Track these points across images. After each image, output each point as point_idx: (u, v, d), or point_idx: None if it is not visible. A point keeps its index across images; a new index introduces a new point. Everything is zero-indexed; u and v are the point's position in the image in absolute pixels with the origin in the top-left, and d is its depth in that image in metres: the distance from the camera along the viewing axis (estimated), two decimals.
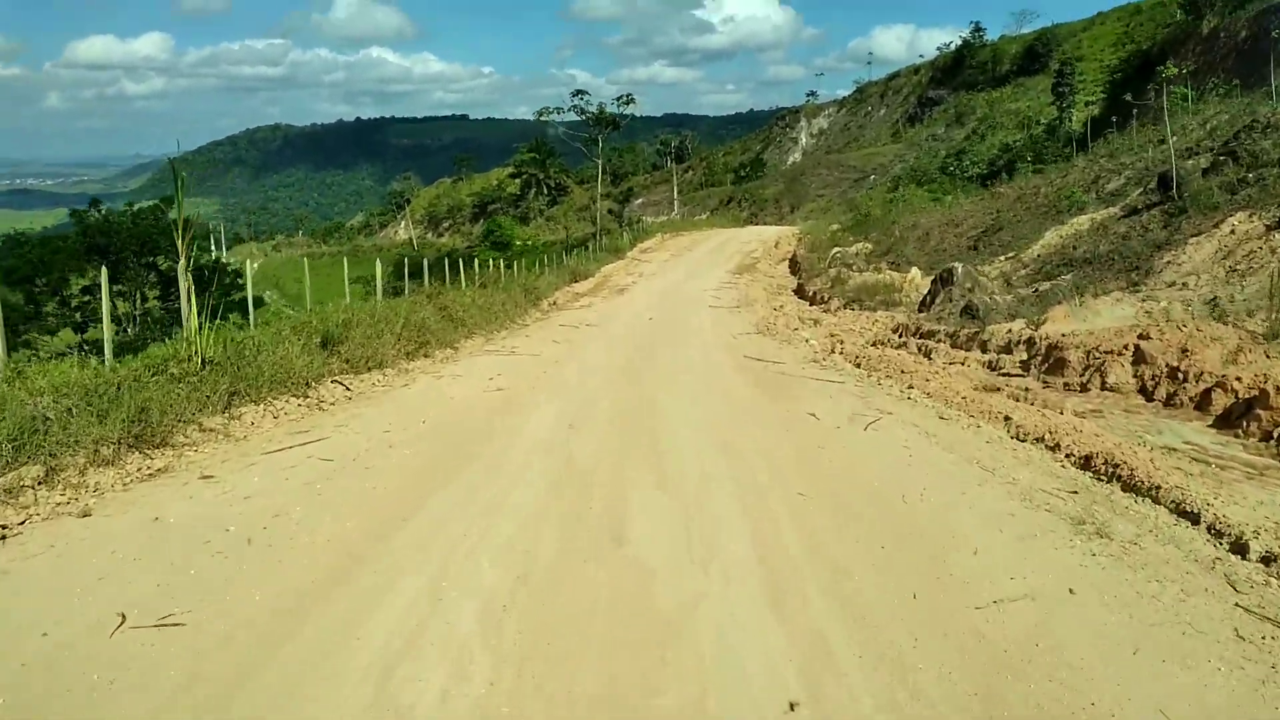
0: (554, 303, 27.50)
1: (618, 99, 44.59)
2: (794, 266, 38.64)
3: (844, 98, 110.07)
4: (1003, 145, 62.88)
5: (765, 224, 70.24)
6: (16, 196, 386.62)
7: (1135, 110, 49.90)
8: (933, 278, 20.76)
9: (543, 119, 44.67)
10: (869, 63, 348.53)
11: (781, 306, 25.90)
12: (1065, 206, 28.66)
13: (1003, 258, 27.82)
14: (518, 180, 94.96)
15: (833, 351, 15.28)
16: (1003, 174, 58.19)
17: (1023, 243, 28.18)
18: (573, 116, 45.51)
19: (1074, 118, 59.27)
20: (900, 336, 16.66)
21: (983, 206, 37.38)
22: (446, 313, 18.96)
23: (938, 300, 18.16)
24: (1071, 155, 52.86)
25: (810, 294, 29.48)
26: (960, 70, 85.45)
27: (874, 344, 16.11)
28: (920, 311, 18.62)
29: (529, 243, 40.42)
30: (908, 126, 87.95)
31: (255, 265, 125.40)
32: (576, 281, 33.02)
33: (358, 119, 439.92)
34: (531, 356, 16.42)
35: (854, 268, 31.81)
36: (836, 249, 36.60)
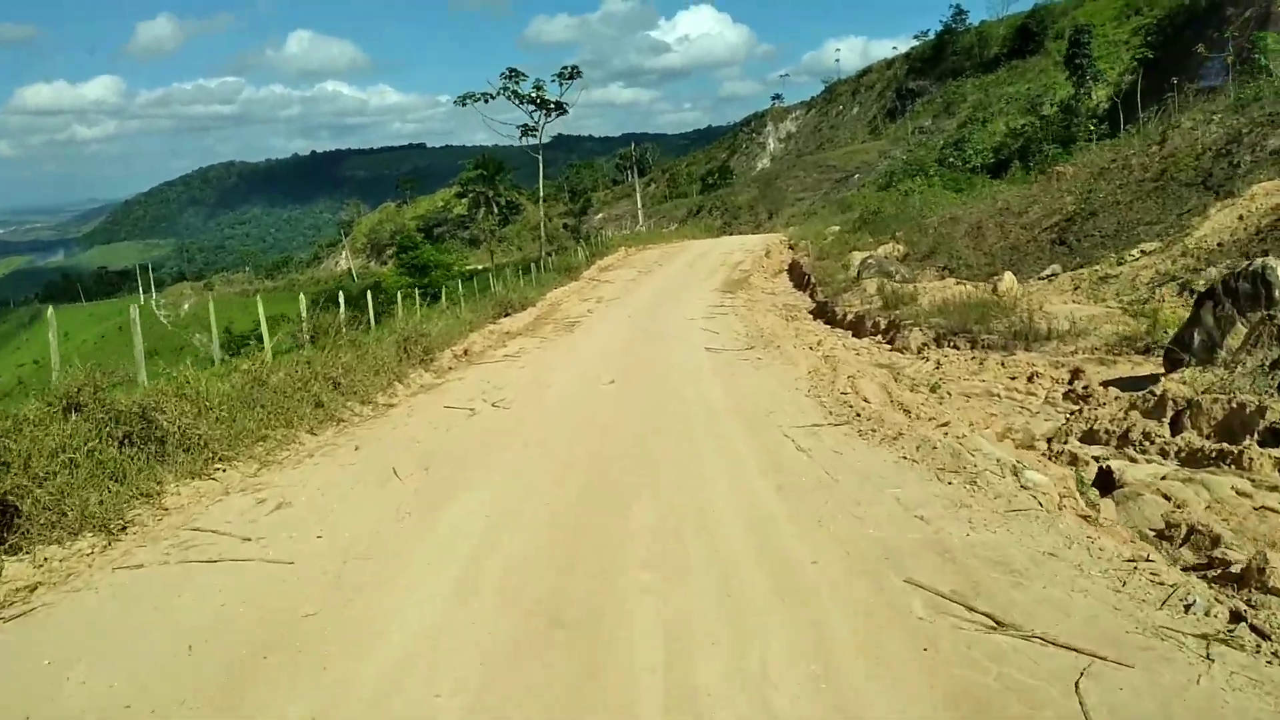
0: (463, 354, 17.45)
1: (559, 74, 34.80)
2: (799, 279, 28.92)
3: (813, 99, 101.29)
4: (1010, 131, 53.84)
5: (741, 232, 60.87)
6: None
7: (1177, 80, 40.85)
8: (1190, 293, 11.09)
9: (466, 104, 34.78)
10: (837, 60, 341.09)
11: (820, 343, 16.03)
12: (1223, 177, 19.13)
13: (1138, 251, 18.20)
14: (464, 200, 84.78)
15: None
16: (1014, 161, 48.91)
17: (1168, 229, 18.64)
18: (507, 103, 35.66)
19: (1094, 93, 50.26)
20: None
21: (1043, 192, 27.88)
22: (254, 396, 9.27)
23: (1228, 338, 8.33)
24: (1110, 133, 43.83)
25: (844, 318, 19.75)
26: (942, 59, 76.70)
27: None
28: (1188, 359, 8.74)
29: (455, 267, 30.83)
30: (887, 122, 79.05)
31: (186, 307, 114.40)
32: (508, 315, 22.95)
33: (313, 152, 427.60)
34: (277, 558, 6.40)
35: (897, 276, 22.10)
36: (861, 254, 26.89)
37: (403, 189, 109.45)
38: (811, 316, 22.28)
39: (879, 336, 16.75)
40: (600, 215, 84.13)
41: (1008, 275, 17.83)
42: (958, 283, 18.85)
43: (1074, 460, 6.94)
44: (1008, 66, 67.01)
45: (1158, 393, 7.98)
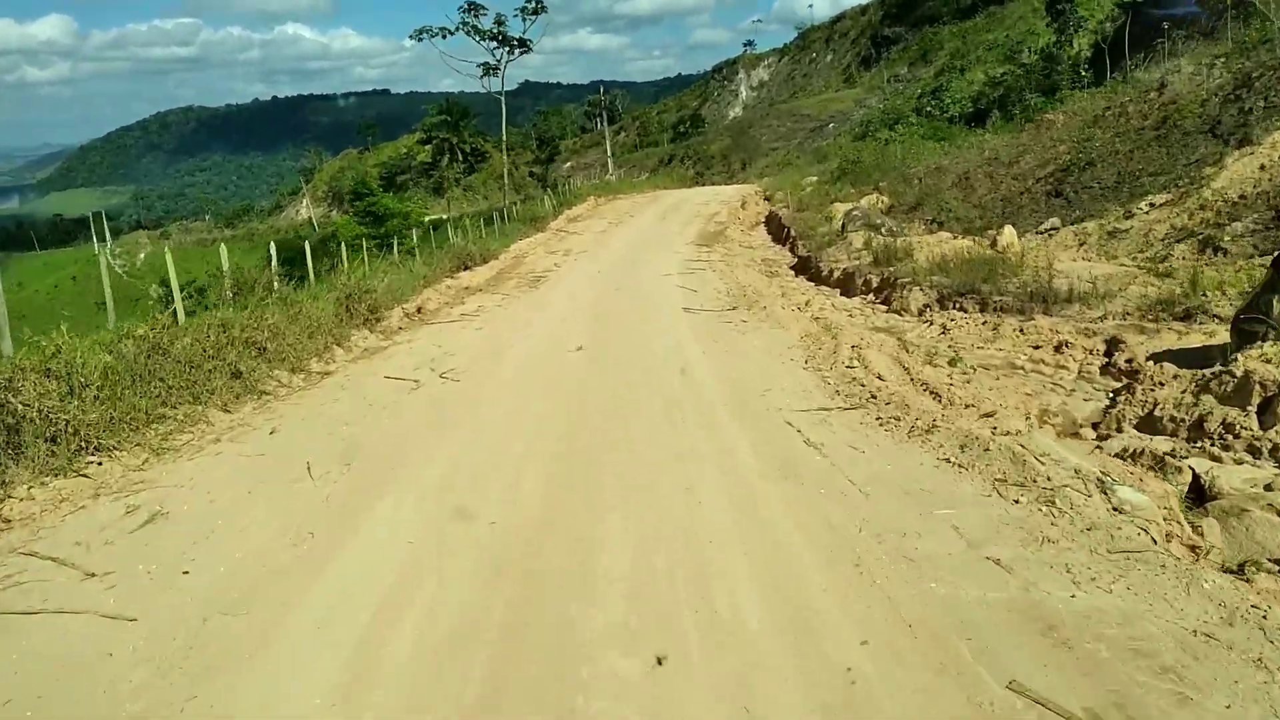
0: (415, 313, 15.85)
1: (521, 9, 32.23)
2: (778, 232, 27.38)
3: (786, 46, 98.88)
4: (989, 80, 52.27)
5: (714, 183, 59.06)
6: None
7: (1166, 27, 39.51)
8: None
9: (420, 38, 32.26)
10: (810, 6, 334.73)
11: (808, 304, 14.56)
12: (1233, 124, 17.78)
13: (1146, 204, 16.85)
14: (428, 147, 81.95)
15: None
16: (994, 110, 47.47)
17: (1177, 180, 17.28)
18: (465, 38, 33.20)
19: (1076, 40, 48.76)
20: None
21: (1032, 141, 26.50)
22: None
23: None
24: (1095, 81, 42.41)
25: (830, 274, 18.26)
26: (918, 5, 74.61)
27: None
28: (1266, 331, 7.33)
29: (414, 216, 28.84)
30: (862, 70, 77.08)
31: (142, 256, 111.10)
32: (467, 269, 21.26)
33: (274, 98, 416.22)
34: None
35: (885, 229, 20.63)
36: (844, 205, 25.38)
37: (364, 134, 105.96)
38: (794, 273, 20.78)
39: (871, 296, 15.28)
40: (569, 164, 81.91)
41: (1007, 229, 16.38)
42: (954, 237, 17.38)
43: (1159, 464, 5.52)
44: (986, 13, 65.13)
45: (1237, 373, 6.54)
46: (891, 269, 15.56)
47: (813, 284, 18.48)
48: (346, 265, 14.74)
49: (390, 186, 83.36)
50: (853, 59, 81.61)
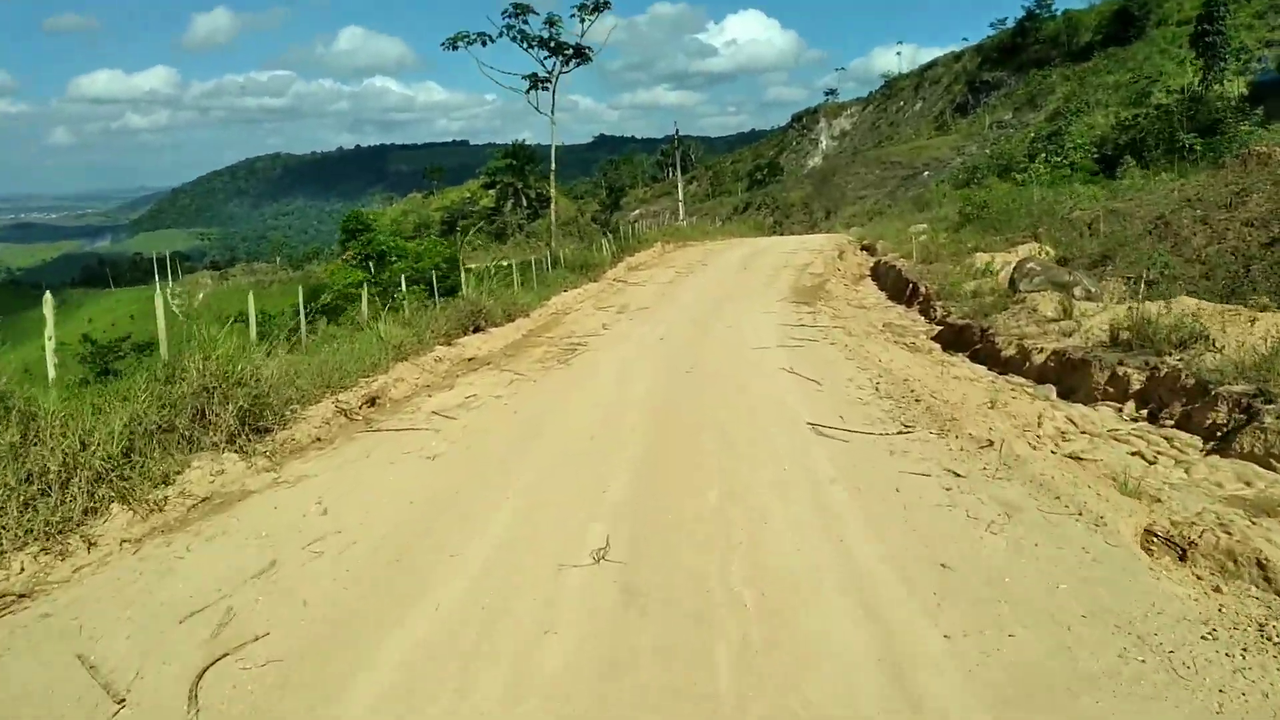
0: (362, 406, 9.58)
1: (579, 6, 26.42)
2: (896, 288, 20.90)
3: (871, 94, 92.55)
4: (1119, 122, 45.00)
5: (795, 232, 52.68)
6: (18, 230, 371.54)
7: None
8: None
9: (457, 46, 26.75)
10: (898, 53, 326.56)
11: (1038, 421, 7.92)
12: None
13: None
14: (492, 191, 77.19)
15: None
16: (1125, 156, 39.84)
17: None
18: (514, 46, 27.66)
19: (1229, 77, 41.52)
20: None
21: (1243, 178, 19.63)
22: None
23: None
24: (1264, 119, 35.15)
25: (1017, 358, 11.67)
26: (1022, 49, 67.73)
27: None
28: None
29: (421, 256, 23.04)
30: (957, 117, 70.30)
31: (201, 296, 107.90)
32: (478, 330, 15.13)
33: (358, 146, 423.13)
34: None
35: (1077, 290, 14.03)
36: (990, 256, 18.86)
37: (430, 178, 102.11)
38: (942, 346, 14.23)
39: (1131, 406, 8.63)
40: (637, 213, 76.24)
41: None
42: (1218, 307, 10.67)
43: None
44: (1103, 54, 57.96)
45: None
46: (1163, 361, 8.85)
47: (984, 368, 11.88)
48: (206, 342, 8.46)
49: (450, 231, 78.63)
50: (946, 105, 74.87)
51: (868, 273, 26.07)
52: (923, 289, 18.89)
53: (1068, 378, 10.08)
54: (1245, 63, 45.01)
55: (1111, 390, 9.22)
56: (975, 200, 28.88)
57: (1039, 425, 7.76)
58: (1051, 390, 9.93)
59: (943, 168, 57.72)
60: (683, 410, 9.03)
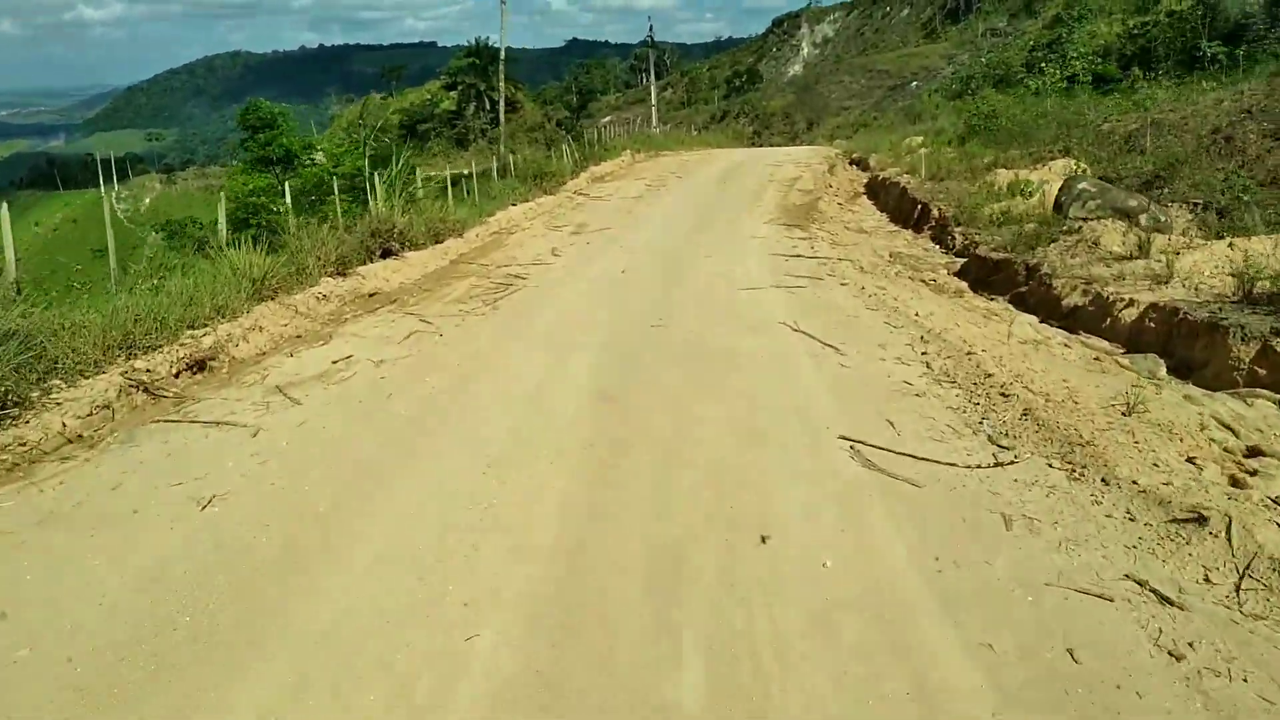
0: (182, 371, 6.36)
1: None
2: (899, 209, 17.88)
3: None
4: (1126, 30, 41.47)
5: (774, 144, 49.11)
6: None
7: None
8: None
9: None
10: None
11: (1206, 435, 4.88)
12: None
13: None
14: (454, 93, 72.19)
15: None
16: (1134, 66, 36.47)
17: None
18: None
19: None
20: None
21: None
22: None
23: None
24: None
25: (1092, 311, 8.68)
26: None
27: None
28: None
29: (340, 159, 19.50)
30: (947, 23, 66.05)
31: (147, 201, 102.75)
32: (390, 255, 11.81)
33: (321, 46, 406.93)
34: None
35: (1143, 219, 11.05)
36: (1012, 173, 15.82)
37: (388, 78, 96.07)
38: (969, 285, 11.30)
39: None
40: (608, 119, 71.78)
41: None
42: None
43: None
44: None
45: None
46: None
47: (1037, 319, 8.92)
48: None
49: (411, 136, 73.94)
50: (936, 11, 70.42)
51: (862, 190, 22.91)
52: (935, 211, 15.84)
53: (1183, 346, 7.15)
54: None
55: (1263, 372, 6.31)
56: (981, 110, 25.60)
57: (1234, 459, 4.79)
58: (1159, 364, 7.00)
59: (932, 77, 54.00)
60: (644, 409, 5.99)
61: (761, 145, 48.64)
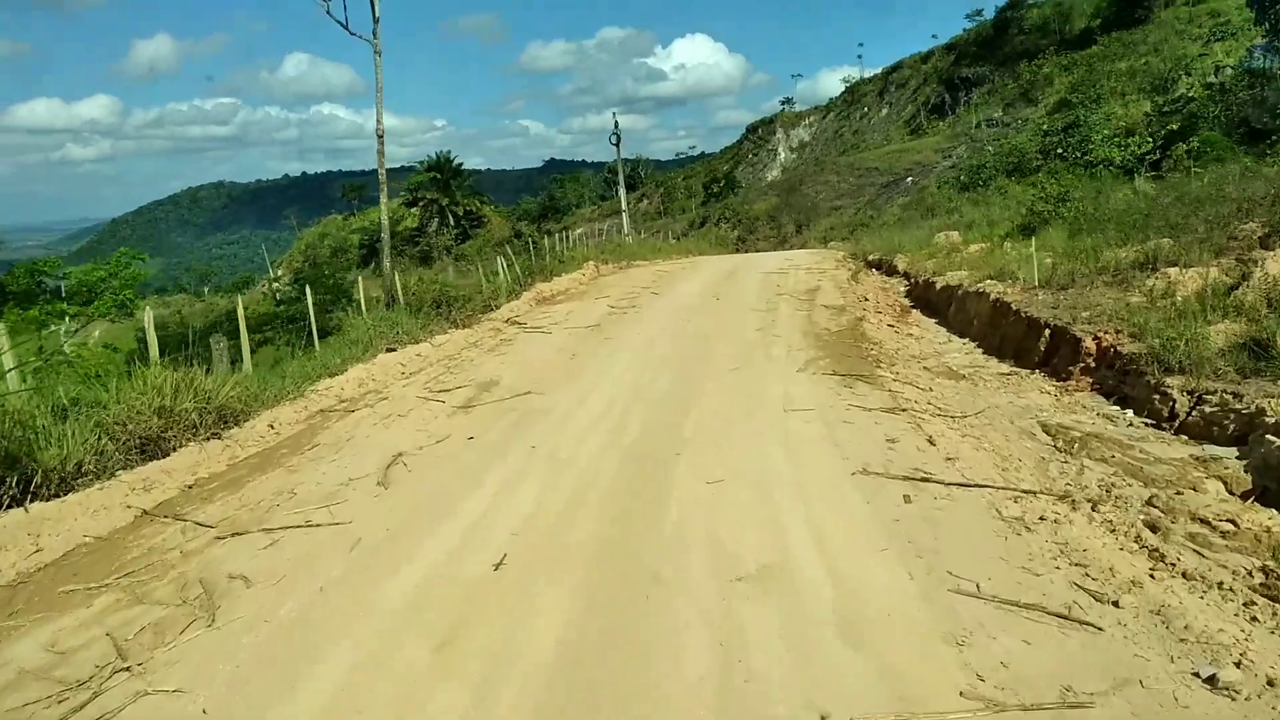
0: None
1: None
2: (996, 334, 10.89)
3: (831, 100, 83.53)
4: (1155, 109, 36.14)
5: (761, 249, 43.06)
6: None
7: None
8: None
9: None
10: (859, 56, 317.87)
11: None
12: None
13: None
14: (415, 210, 66.48)
15: None
16: (1178, 145, 30.43)
17: None
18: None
19: None
20: None
21: None
22: None
23: None
24: None
25: None
26: (1005, 41, 58.94)
27: None
28: None
29: (93, 287, 13.34)
30: (933, 118, 61.30)
31: (97, 334, 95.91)
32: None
33: (303, 173, 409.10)
34: None
35: None
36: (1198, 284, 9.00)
37: (348, 197, 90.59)
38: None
39: None
40: (580, 230, 65.95)
41: None
42: None
43: None
44: (1109, 39, 49.21)
45: None
46: None
47: None
48: None
49: (370, 256, 68.01)
50: (918, 108, 65.85)
51: (908, 302, 16.22)
52: (1090, 342, 9.01)
53: None
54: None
55: None
56: (1050, 193, 19.16)
57: None
58: None
59: (927, 172, 48.53)
60: None
61: (748, 250, 42.52)
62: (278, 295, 36.64)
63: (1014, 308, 11.12)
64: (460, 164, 67.17)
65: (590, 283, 21.47)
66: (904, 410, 7.40)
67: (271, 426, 7.75)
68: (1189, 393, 7.43)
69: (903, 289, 18.05)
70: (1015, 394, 9.03)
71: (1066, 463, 6.71)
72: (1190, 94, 36.07)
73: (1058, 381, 9.38)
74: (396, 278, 13.82)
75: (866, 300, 15.55)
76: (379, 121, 15.31)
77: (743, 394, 8.28)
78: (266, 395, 8.38)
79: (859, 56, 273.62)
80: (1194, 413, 7.20)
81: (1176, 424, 7.34)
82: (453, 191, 65.40)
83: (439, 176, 65.17)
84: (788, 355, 10.36)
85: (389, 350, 11.17)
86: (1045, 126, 40.12)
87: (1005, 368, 10.28)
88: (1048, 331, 10.09)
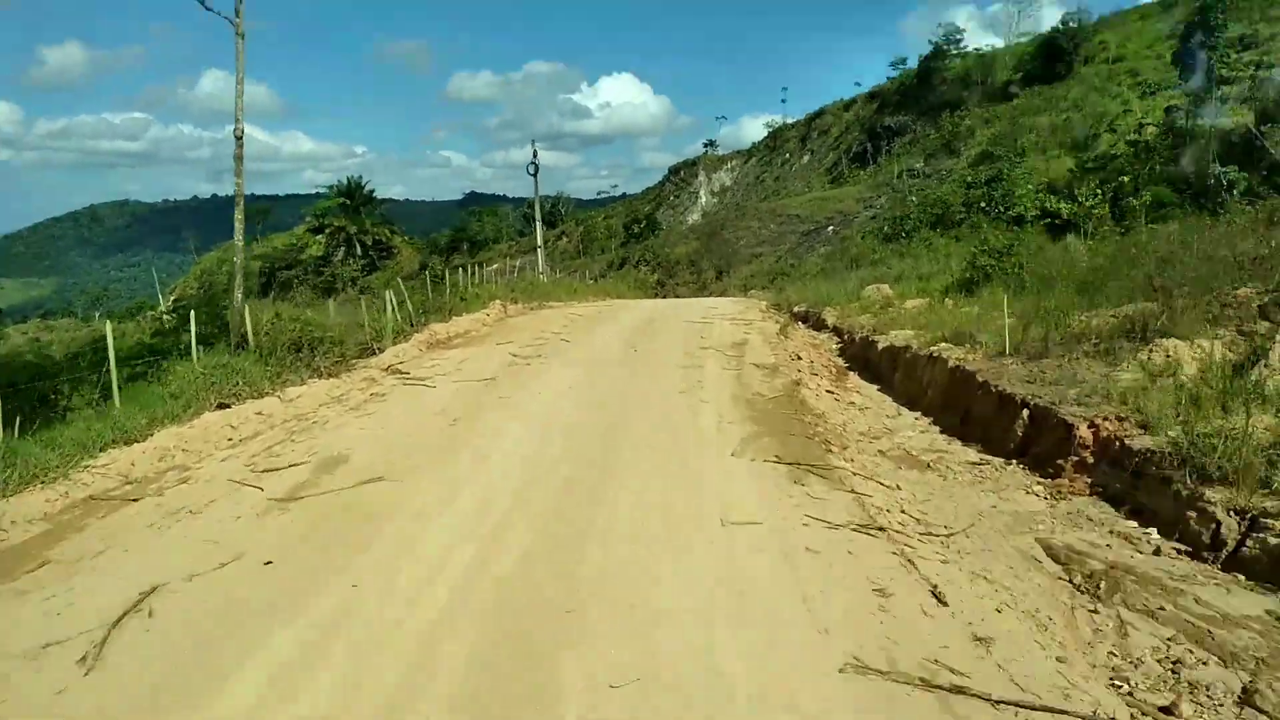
0: None
1: None
2: (960, 410, 9.14)
3: (754, 145, 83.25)
4: (1077, 165, 36.16)
5: (681, 294, 41.74)
6: None
7: None
8: None
9: None
10: (784, 100, 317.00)
11: None
12: None
13: None
14: (320, 237, 63.13)
15: None
16: (1127, 199, 30.09)
17: None
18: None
19: (1222, 102, 32.83)
20: None
21: None
22: None
23: None
24: None
25: None
26: (926, 91, 59.14)
27: None
28: None
29: None
30: (854, 167, 61.11)
31: None
32: None
33: (214, 195, 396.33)
34: None
35: None
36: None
37: (254, 223, 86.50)
38: None
39: None
40: (494, 267, 63.72)
41: None
42: None
43: None
44: (1032, 92, 49.48)
45: None
46: None
47: None
48: None
49: (270, 285, 64.32)
50: (840, 156, 65.72)
51: (843, 362, 14.54)
52: (1105, 431, 7.31)
53: None
54: (1252, 85, 35.77)
55: None
56: (991, 247, 17.85)
57: None
58: None
59: (848, 222, 47.92)
60: None
61: (668, 295, 41.03)
62: (154, 326, 33.42)
63: (980, 379, 9.43)
64: (372, 190, 64.28)
65: (495, 325, 19.32)
66: (880, 529, 5.49)
67: None
68: (1237, 512, 5.75)
69: (835, 346, 16.42)
70: (997, 494, 7.27)
71: (1097, 612, 4.91)
72: (1114, 151, 36.04)
73: (1043, 478, 7.67)
74: (247, 313, 11.48)
75: (799, 359, 13.78)
76: (237, 120, 12.98)
77: (666, 493, 6.28)
78: (11, 475, 6.04)
79: (783, 101, 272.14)
80: (1249, 542, 5.50)
81: (1223, 554, 5.64)
82: (362, 219, 62.40)
83: (349, 202, 62.19)
84: (719, 429, 8.44)
85: (220, 407, 8.86)
86: (969, 179, 39.74)
87: (973, 454, 8.55)
88: (1025, 412, 8.40)
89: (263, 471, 6.99)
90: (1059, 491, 7.18)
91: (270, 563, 4.92)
